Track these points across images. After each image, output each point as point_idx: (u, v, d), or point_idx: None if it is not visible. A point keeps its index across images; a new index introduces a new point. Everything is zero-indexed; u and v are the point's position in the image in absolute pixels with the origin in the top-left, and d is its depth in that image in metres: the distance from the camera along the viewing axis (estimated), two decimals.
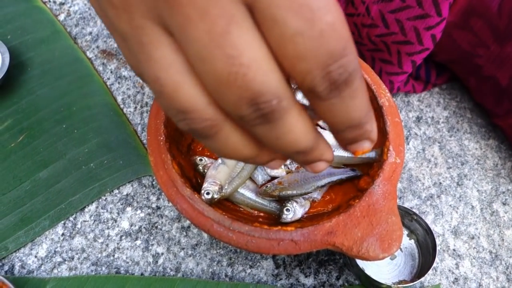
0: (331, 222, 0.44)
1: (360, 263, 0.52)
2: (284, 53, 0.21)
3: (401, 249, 0.56)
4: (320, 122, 0.57)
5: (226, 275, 0.55)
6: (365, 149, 0.29)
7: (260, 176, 0.54)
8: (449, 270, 0.56)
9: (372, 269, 0.54)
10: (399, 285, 0.50)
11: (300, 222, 0.50)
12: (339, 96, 0.23)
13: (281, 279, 0.55)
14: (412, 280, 0.53)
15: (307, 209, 0.52)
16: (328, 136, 0.55)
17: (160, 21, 0.22)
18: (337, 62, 0.22)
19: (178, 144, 0.54)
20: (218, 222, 0.45)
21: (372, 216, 0.45)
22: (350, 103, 0.24)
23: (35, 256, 0.56)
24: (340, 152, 0.53)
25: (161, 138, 0.50)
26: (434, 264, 0.51)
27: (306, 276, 0.55)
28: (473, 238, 0.58)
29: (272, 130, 0.24)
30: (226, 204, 0.52)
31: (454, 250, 0.57)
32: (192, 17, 0.21)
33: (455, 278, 0.56)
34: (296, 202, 0.51)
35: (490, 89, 0.60)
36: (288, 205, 0.50)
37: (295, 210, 0.50)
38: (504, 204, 0.61)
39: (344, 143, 0.28)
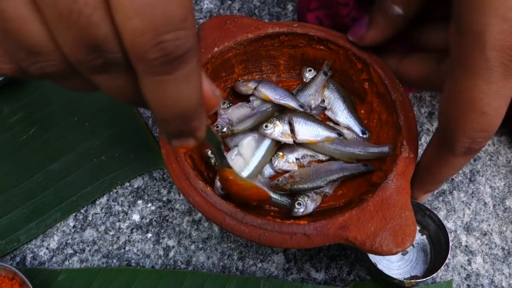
0: (344, 216, 0.44)
1: (372, 258, 0.52)
2: (119, 5, 0.19)
3: (413, 245, 0.55)
4: (331, 116, 0.57)
5: (236, 269, 0.55)
6: (189, 146, 0.26)
7: (266, 171, 0.54)
8: (461, 266, 0.56)
9: (384, 264, 0.54)
10: (411, 281, 0.50)
11: (312, 217, 0.50)
12: (171, 73, 0.21)
13: (292, 273, 0.55)
14: (424, 276, 0.52)
15: (318, 203, 0.51)
16: (345, 131, 0.55)
17: None
18: (175, 32, 0.19)
19: None
20: (230, 215, 0.45)
21: (386, 211, 0.45)
22: (182, 86, 0.21)
23: (47, 248, 0.56)
24: (352, 148, 0.53)
25: None
26: (446, 260, 0.50)
27: (317, 271, 0.55)
28: (485, 234, 0.58)
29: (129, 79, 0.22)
30: None
31: (466, 246, 0.57)
32: None
33: (467, 275, 0.55)
34: (308, 196, 0.51)
35: None
36: (300, 199, 0.50)
37: (307, 204, 0.50)
38: None
39: (167, 135, 0.25)
